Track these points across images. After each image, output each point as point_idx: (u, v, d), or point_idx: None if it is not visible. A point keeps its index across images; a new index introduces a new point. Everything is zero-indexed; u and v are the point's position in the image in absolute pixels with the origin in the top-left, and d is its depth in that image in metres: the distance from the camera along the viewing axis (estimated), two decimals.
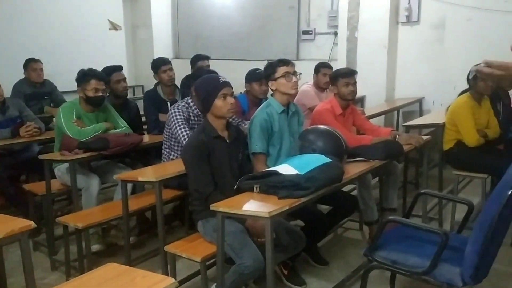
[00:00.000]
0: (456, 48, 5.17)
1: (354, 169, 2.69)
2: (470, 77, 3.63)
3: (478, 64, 1.55)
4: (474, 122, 3.58)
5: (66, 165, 3.32)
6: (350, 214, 3.41)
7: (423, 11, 5.33)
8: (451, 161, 3.80)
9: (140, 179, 2.84)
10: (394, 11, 5.40)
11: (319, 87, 4.54)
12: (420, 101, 5.49)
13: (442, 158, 4.02)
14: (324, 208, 3.35)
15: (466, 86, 3.75)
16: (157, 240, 2.85)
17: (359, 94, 5.12)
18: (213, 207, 2.19)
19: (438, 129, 3.93)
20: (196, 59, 4.85)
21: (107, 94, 3.59)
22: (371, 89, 5.45)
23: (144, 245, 3.56)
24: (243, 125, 3.41)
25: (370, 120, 4.00)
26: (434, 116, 4.55)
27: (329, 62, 4.93)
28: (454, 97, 3.88)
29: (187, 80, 3.97)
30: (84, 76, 3.39)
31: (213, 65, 4.85)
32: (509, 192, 1.85)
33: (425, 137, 3.37)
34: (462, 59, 4.77)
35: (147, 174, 2.96)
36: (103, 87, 3.42)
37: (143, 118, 4.20)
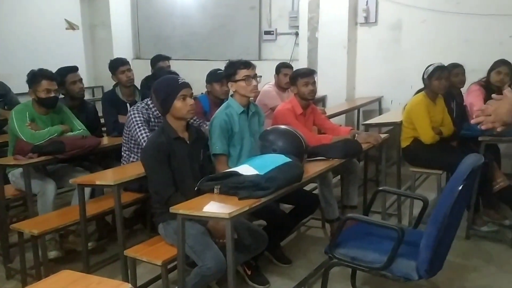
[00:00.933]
0: (412, 48, 5.31)
1: (314, 168, 2.72)
2: (425, 77, 3.75)
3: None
4: (429, 120, 3.69)
5: (20, 169, 3.22)
6: (312, 213, 3.44)
7: (380, 13, 5.44)
8: (409, 158, 3.90)
9: (97, 182, 2.76)
10: (352, 12, 5.49)
11: (280, 87, 4.57)
12: (379, 100, 5.60)
13: (400, 156, 4.13)
14: (287, 207, 3.38)
15: (422, 85, 3.86)
16: (118, 244, 2.79)
17: (320, 93, 5.22)
18: (173, 209, 2.16)
19: (396, 127, 4.01)
20: (157, 60, 4.77)
21: (62, 95, 3.48)
22: (332, 88, 5.53)
23: (104, 250, 3.48)
24: (205, 126, 3.38)
25: (331, 119, 4.06)
26: (392, 114, 4.64)
27: (290, 62, 4.97)
28: (411, 96, 3.98)
29: (147, 81, 3.91)
30: (35, 77, 3.28)
31: (174, 65, 4.79)
32: (460, 188, 1.92)
33: (383, 135, 3.45)
34: (418, 59, 4.90)
35: (106, 177, 2.89)
36: (55, 87, 3.32)
37: (102, 120, 4.10)
